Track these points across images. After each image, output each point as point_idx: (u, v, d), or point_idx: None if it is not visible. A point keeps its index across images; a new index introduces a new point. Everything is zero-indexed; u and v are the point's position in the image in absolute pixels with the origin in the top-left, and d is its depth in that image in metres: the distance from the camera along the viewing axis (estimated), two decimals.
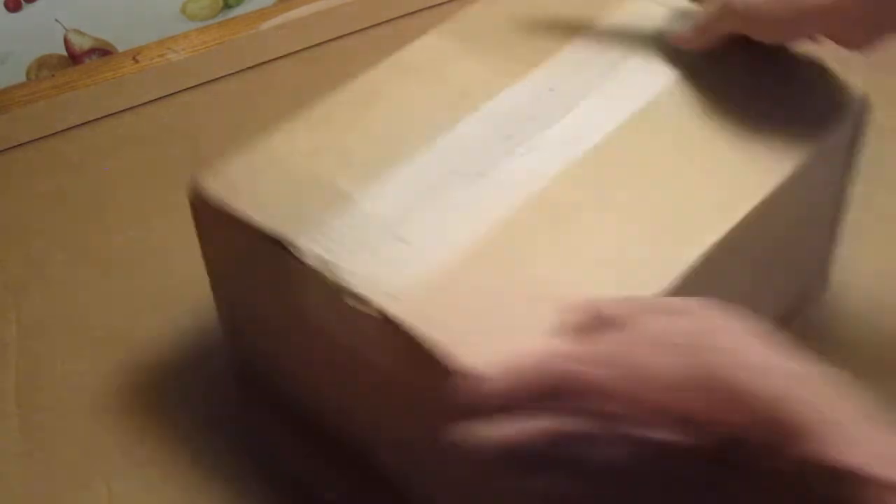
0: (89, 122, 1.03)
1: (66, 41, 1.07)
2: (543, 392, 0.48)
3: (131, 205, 0.95)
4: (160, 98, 1.05)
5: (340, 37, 1.09)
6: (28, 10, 1.03)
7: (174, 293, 0.87)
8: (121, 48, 1.09)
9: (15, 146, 1.01)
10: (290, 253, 0.61)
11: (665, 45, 0.72)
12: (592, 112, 0.68)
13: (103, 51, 1.09)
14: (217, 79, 1.07)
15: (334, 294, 0.59)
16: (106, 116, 1.03)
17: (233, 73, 1.06)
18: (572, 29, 0.74)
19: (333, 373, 0.67)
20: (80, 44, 1.08)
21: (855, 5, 0.63)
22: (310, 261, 0.60)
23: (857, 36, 0.66)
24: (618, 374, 0.47)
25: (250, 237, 0.63)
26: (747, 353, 0.47)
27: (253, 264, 0.66)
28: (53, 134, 1.02)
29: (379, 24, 1.12)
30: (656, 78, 0.70)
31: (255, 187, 0.65)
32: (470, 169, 0.64)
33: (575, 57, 0.72)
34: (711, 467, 0.46)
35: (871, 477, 0.42)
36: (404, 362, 0.58)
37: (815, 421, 0.44)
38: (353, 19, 1.11)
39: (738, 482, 0.46)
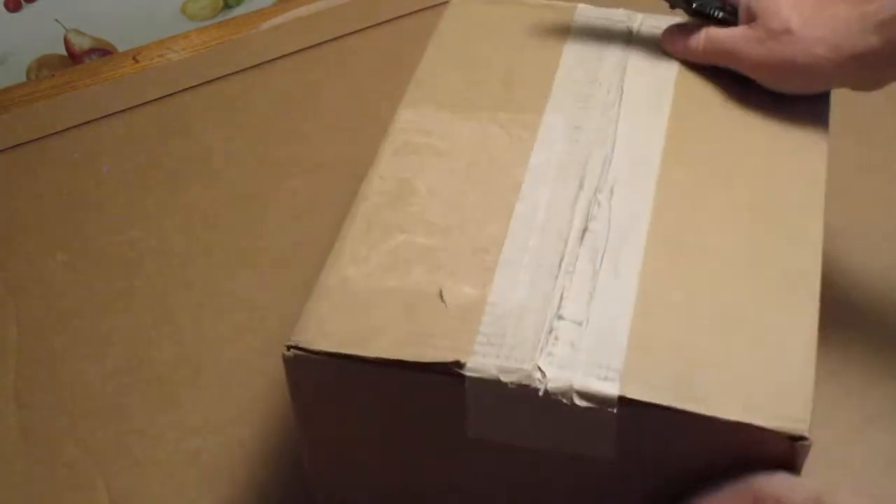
0: (89, 122, 1.03)
1: (66, 41, 1.07)
2: None
3: (131, 204, 0.95)
4: (159, 98, 1.05)
5: (340, 37, 1.09)
6: (28, 10, 1.03)
7: (173, 293, 0.87)
8: (121, 48, 1.09)
9: (15, 146, 1.01)
10: (451, 376, 0.55)
11: (643, 45, 0.72)
12: (633, 133, 0.66)
13: (103, 51, 1.09)
14: (216, 79, 1.07)
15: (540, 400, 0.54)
16: (106, 116, 1.03)
17: (232, 74, 1.06)
18: (540, 59, 0.72)
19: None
20: (80, 44, 1.08)
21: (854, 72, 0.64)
22: (483, 376, 0.54)
23: (864, 87, 0.67)
24: None
25: (379, 380, 0.56)
26: None
27: (380, 411, 0.59)
28: (53, 134, 1.02)
29: (378, 24, 1.12)
30: (660, 79, 0.70)
31: (360, 327, 0.57)
32: (571, 230, 0.61)
33: (569, 86, 0.70)
34: None
35: None
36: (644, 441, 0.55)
37: None
38: (352, 19, 1.11)
39: None
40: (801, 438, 0.51)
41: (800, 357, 0.55)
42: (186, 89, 1.06)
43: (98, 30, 1.08)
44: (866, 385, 0.77)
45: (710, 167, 0.64)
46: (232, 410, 0.79)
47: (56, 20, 1.05)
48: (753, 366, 0.55)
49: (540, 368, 0.54)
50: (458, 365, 0.54)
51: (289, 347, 0.56)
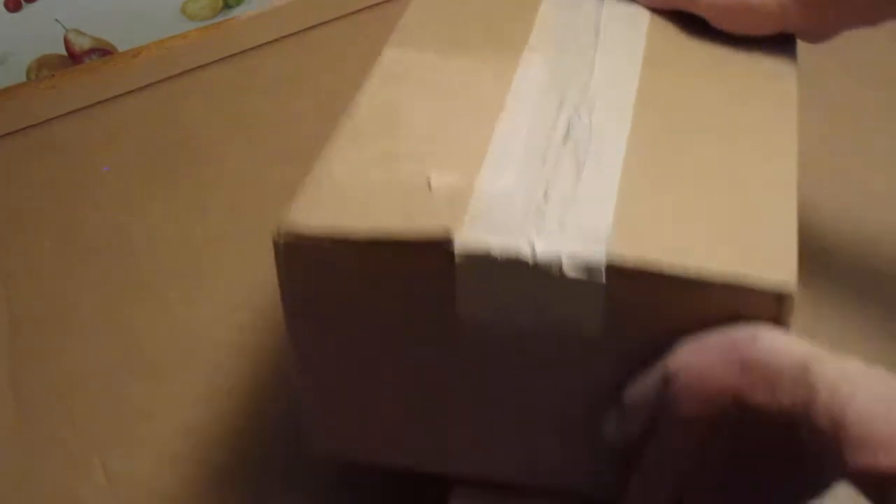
0: (76, 111, 1.03)
1: (66, 41, 1.07)
2: None
3: (121, 193, 0.95)
4: (146, 86, 1.06)
5: (325, 22, 1.10)
6: (28, 10, 1.03)
7: (164, 279, 0.87)
8: (121, 48, 1.10)
9: (3, 135, 1.02)
10: (441, 250, 0.54)
11: None
12: (609, 66, 0.67)
13: (103, 51, 1.09)
14: (200, 67, 1.07)
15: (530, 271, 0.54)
16: (93, 105, 1.04)
17: (217, 61, 1.07)
18: (521, 8, 0.72)
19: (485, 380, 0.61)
20: (80, 44, 1.08)
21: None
22: (473, 249, 0.54)
23: (812, 32, 0.69)
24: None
25: (370, 258, 0.56)
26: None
27: (372, 296, 0.59)
28: (41, 123, 1.03)
29: (362, 10, 1.13)
30: (634, 23, 0.71)
31: (350, 209, 0.57)
32: (554, 134, 0.61)
33: (548, 31, 0.70)
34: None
35: None
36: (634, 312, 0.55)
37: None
38: (337, 5, 1.11)
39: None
40: (788, 297, 0.51)
41: (782, 224, 0.56)
42: (172, 77, 1.07)
43: (98, 30, 1.08)
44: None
45: (686, 94, 0.65)
46: (224, 386, 0.79)
47: (56, 20, 1.06)
48: (737, 234, 0.55)
49: (530, 241, 0.53)
50: (448, 240, 0.54)
51: (279, 235, 0.56)
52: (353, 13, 1.11)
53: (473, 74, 0.67)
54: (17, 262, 0.89)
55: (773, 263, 0.53)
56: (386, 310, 0.59)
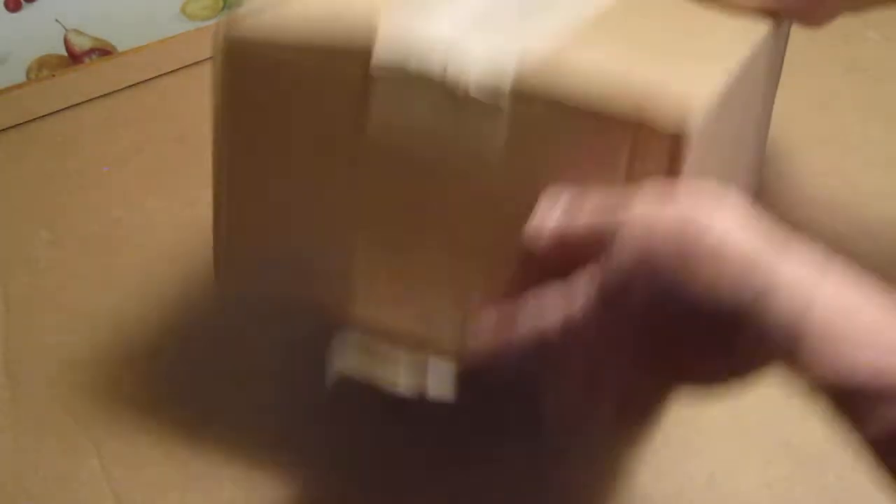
0: (71, 106, 1.04)
1: (66, 41, 1.08)
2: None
3: (115, 185, 0.96)
4: (142, 81, 1.07)
5: None
6: (28, 10, 1.04)
7: (159, 270, 0.88)
8: (121, 48, 1.10)
9: (0, 130, 1.03)
10: (362, 57, 0.55)
11: None
12: None
13: (103, 51, 1.10)
14: (193, 63, 1.08)
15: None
16: (89, 100, 1.04)
17: (209, 58, 1.07)
18: None
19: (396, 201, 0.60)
20: (80, 44, 1.09)
21: None
22: (390, 59, 0.54)
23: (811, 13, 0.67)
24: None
25: (301, 60, 0.56)
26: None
27: (299, 102, 0.59)
28: (38, 118, 1.03)
29: None
30: None
31: (292, 17, 0.57)
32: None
33: None
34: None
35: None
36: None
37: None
38: None
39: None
40: (683, 137, 0.50)
41: (715, 69, 0.55)
42: (165, 74, 1.07)
43: (98, 30, 1.09)
44: None
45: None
46: (220, 375, 0.79)
47: (56, 20, 1.07)
48: (658, 71, 0.53)
49: (443, 58, 0.53)
50: (368, 46, 0.54)
51: (219, 39, 0.58)
52: None
53: None
54: (14, 253, 0.90)
55: (680, 103, 0.50)
56: (305, 120, 0.59)
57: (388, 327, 0.63)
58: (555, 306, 0.51)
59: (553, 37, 0.56)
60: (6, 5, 1.03)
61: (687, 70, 0.54)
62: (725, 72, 0.55)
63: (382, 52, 0.54)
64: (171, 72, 1.07)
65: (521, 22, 0.58)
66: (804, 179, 0.89)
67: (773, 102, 0.79)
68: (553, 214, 0.53)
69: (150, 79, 1.07)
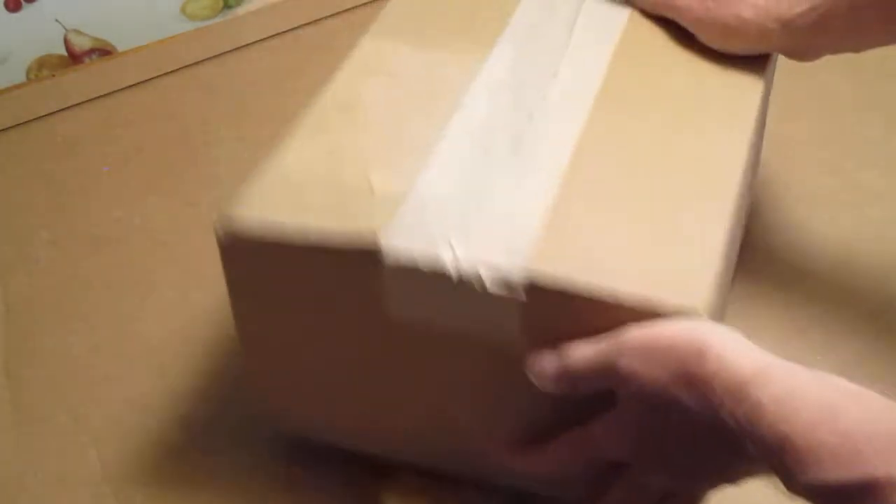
0: (74, 105, 1.04)
1: (66, 41, 1.08)
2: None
3: (114, 186, 0.96)
4: (142, 82, 1.07)
5: (321, 19, 1.10)
6: (28, 10, 1.04)
7: (158, 270, 0.88)
8: (121, 48, 1.10)
9: (1, 130, 1.03)
10: (371, 256, 0.56)
11: None
12: (574, 67, 0.67)
13: (103, 51, 1.10)
14: (195, 63, 1.08)
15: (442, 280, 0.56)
16: (90, 100, 1.04)
17: (212, 58, 1.07)
18: (501, 2, 0.73)
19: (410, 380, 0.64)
20: (80, 44, 1.09)
21: (802, 26, 0.65)
22: (400, 258, 0.56)
23: (796, 54, 0.68)
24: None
25: (304, 258, 0.58)
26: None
27: (308, 291, 0.61)
28: (38, 118, 1.03)
29: (358, 7, 1.14)
30: (610, 22, 0.71)
31: (289, 207, 0.59)
32: (503, 135, 0.62)
33: (524, 24, 0.71)
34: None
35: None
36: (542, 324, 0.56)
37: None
38: (333, 2, 1.12)
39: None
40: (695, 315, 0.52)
41: (708, 247, 0.56)
42: (166, 74, 1.07)
43: (98, 30, 1.09)
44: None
45: (644, 106, 0.65)
46: (220, 377, 0.79)
47: (56, 20, 1.06)
48: (659, 255, 0.55)
49: (453, 253, 0.55)
50: (376, 248, 0.55)
51: (220, 228, 0.59)
52: (349, 10, 1.12)
53: (439, 69, 0.67)
54: (14, 253, 0.90)
55: (686, 287, 0.53)
56: (319, 302, 0.61)
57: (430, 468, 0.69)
58: None
59: (544, 204, 0.58)
60: (6, 5, 1.03)
61: (688, 240, 0.57)
62: (722, 227, 0.58)
63: (389, 251, 0.56)
64: (171, 72, 1.07)
65: (511, 179, 0.60)
66: (804, 179, 0.90)
67: (763, 125, 0.79)
68: (546, 356, 0.56)
69: (150, 79, 1.06)
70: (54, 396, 0.79)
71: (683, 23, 0.68)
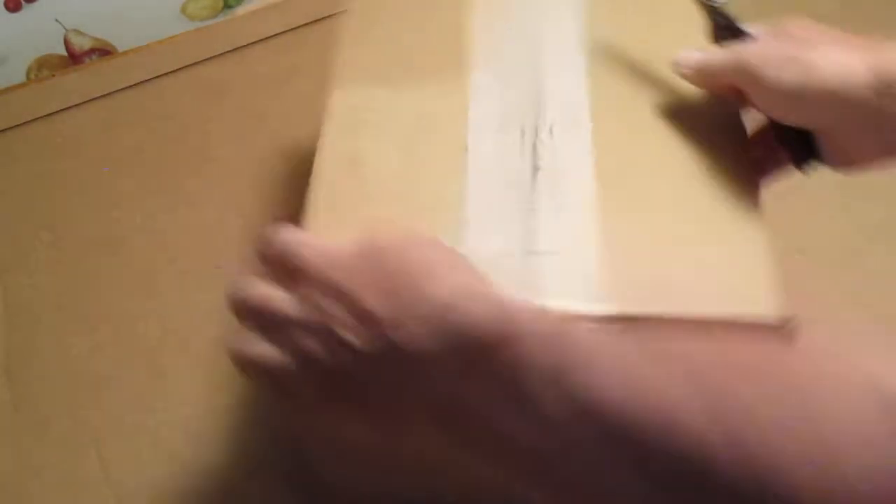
0: (73, 106, 1.04)
1: (66, 41, 1.08)
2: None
3: (114, 186, 0.96)
4: (142, 82, 1.06)
5: (320, 19, 1.10)
6: (28, 10, 1.04)
7: (158, 269, 0.88)
8: (121, 48, 1.10)
9: (1, 130, 1.03)
10: None
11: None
12: (558, 80, 0.68)
13: (103, 51, 1.10)
14: (195, 63, 1.08)
15: None
16: (89, 101, 1.04)
17: (211, 58, 1.07)
18: (451, 26, 0.73)
19: None
20: (80, 44, 1.09)
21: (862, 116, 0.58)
22: None
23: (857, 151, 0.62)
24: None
25: None
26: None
27: None
28: (37, 119, 1.03)
29: None
30: (570, 28, 0.71)
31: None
32: (522, 172, 0.63)
33: (486, 46, 0.71)
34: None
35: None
36: None
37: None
38: (332, 2, 1.11)
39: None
40: (784, 321, 0.54)
41: (760, 256, 0.57)
42: (166, 74, 1.07)
43: (98, 30, 1.09)
44: None
45: (637, 107, 0.65)
46: (218, 379, 0.79)
47: (56, 20, 1.06)
48: (719, 269, 0.57)
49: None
50: None
51: None
52: (345, 11, 1.12)
53: (428, 110, 0.67)
54: (14, 254, 0.90)
55: (760, 297, 0.55)
56: None
57: None
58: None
59: (590, 235, 0.59)
60: (6, 5, 1.02)
61: (736, 252, 0.58)
62: (761, 235, 0.59)
63: None
64: (171, 72, 1.07)
65: (550, 219, 0.60)
66: (804, 179, 0.89)
67: None
68: None
69: (150, 79, 1.06)
70: (55, 398, 0.79)
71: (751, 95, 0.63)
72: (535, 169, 0.63)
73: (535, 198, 0.61)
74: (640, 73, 0.68)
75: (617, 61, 0.69)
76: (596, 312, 0.55)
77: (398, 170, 0.64)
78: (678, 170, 0.62)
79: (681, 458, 0.41)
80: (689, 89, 0.65)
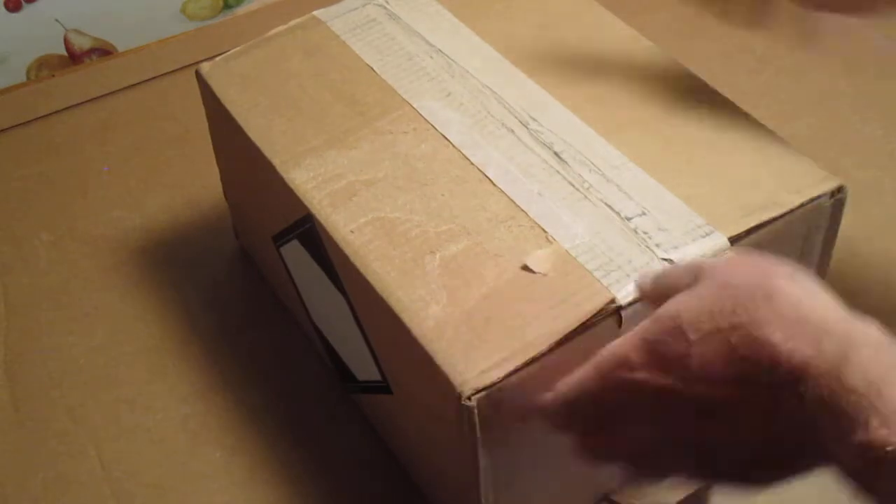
0: (74, 106, 1.04)
1: (66, 41, 1.08)
2: (605, 402, 0.51)
3: (114, 186, 0.96)
4: (142, 82, 1.06)
5: None
6: (28, 10, 1.04)
7: (159, 270, 0.88)
8: (121, 48, 1.10)
9: (1, 130, 1.03)
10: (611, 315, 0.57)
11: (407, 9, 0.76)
12: (495, 77, 0.70)
13: (103, 51, 1.10)
14: (193, 63, 1.07)
15: None
16: (89, 101, 1.04)
17: (210, 58, 1.07)
18: (347, 69, 0.73)
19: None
20: (80, 44, 1.09)
21: None
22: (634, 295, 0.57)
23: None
24: (664, 377, 0.49)
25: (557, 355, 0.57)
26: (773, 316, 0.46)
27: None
28: (38, 118, 1.03)
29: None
30: (461, 31, 0.74)
31: (504, 338, 0.56)
32: (548, 160, 0.64)
33: (401, 75, 0.71)
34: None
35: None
36: None
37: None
38: (332, 2, 1.11)
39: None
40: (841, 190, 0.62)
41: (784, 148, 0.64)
42: (165, 74, 1.07)
43: (98, 30, 1.09)
44: None
45: (588, 81, 0.68)
46: (219, 378, 0.80)
47: (56, 20, 1.06)
48: (769, 170, 0.63)
49: (665, 259, 0.58)
50: (614, 303, 0.56)
51: (468, 397, 0.54)
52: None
53: (398, 146, 0.67)
54: (14, 253, 0.90)
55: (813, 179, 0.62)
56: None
57: None
58: None
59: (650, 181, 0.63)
60: (6, 5, 1.03)
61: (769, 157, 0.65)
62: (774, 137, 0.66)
63: (624, 295, 0.58)
64: (171, 72, 1.07)
65: (613, 185, 0.63)
66: None
67: None
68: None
69: (150, 79, 1.06)
70: (54, 397, 0.79)
71: None
72: (556, 153, 0.64)
73: (576, 175, 0.63)
74: (569, 63, 0.69)
75: (541, 59, 0.70)
76: (720, 245, 0.58)
77: (430, 215, 0.62)
78: (661, 97, 0.65)
79: None
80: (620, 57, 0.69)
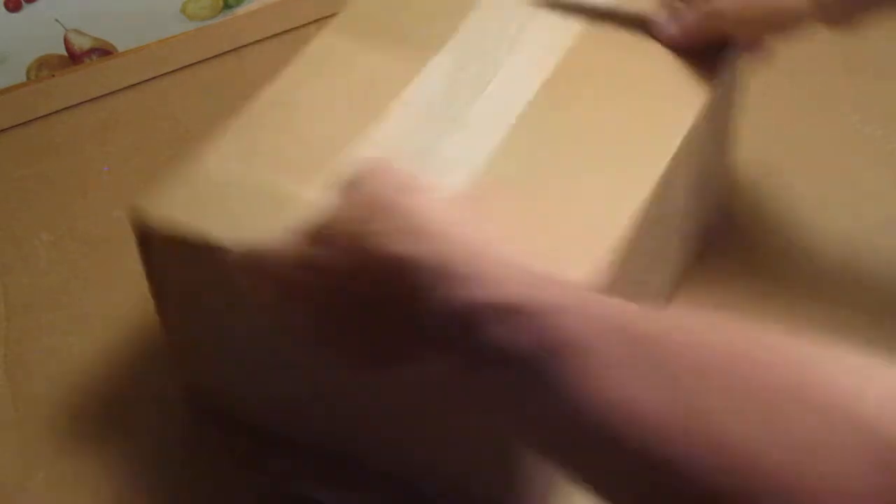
0: (73, 106, 1.04)
1: (66, 41, 1.08)
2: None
3: (114, 186, 0.96)
4: (142, 82, 1.06)
5: (319, 19, 1.10)
6: (28, 10, 1.04)
7: None
8: (121, 48, 1.10)
9: (1, 130, 1.03)
10: None
11: (553, 13, 0.75)
12: (507, 83, 0.70)
13: (103, 51, 1.10)
14: (193, 64, 1.08)
15: None
16: (89, 101, 1.04)
17: (210, 59, 1.07)
18: (457, 7, 0.76)
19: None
20: (80, 44, 1.09)
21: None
22: None
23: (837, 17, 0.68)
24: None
25: (204, 255, 0.62)
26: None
27: (209, 284, 0.65)
28: (39, 118, 1.03)
29: None
30: (553, 43, 0.73)
31: (198, 207, 0.64)
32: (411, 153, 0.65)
33: (471, 34, 0.73)
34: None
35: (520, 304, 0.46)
36: None
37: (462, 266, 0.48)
38: (332, 2, 1.11)
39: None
40: None
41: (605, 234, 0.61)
42: (164, 74, 1.07)
43: (98, 30, 1.09)
44: None
45: (559, 130, 0.67)
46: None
47: (56, 20, 1.06)
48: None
49: None
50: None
51: (134, 220, 0.62)
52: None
53: (379, 75, 0.71)
54: (14, 253, 0.90)
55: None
56: (227, 296, 0.64)
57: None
58: None
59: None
60: (6, 5, 1.03)
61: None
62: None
63: None
64: (171, 72, 1.07)
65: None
66: (803, 179, 0.90)
67: (728, 132, 0.82)
68: None
69: (150, 79, 1.06)
70: (55, 396, 0.79)
71: (726, 29, 0.70)
72: (423, 156, 0.65)
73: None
74: (590, 103, 0.69)
75: (575, 86, 0.70)
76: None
77: (316, 118, 0.68)
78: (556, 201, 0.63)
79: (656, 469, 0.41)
80: (639, 116, 0.68)
